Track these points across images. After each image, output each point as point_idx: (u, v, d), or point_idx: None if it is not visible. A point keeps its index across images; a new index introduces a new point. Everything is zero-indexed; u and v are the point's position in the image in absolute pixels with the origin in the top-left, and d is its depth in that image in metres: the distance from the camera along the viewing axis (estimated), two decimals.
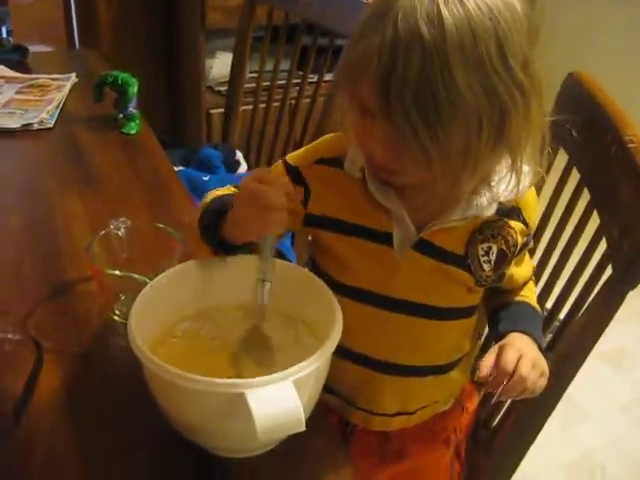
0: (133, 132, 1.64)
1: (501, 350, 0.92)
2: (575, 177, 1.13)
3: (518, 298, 1.06)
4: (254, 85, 2.03)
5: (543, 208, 1.19)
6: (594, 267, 1.03)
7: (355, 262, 0.98)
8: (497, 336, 0.99)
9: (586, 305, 1.03)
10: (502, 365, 0.90)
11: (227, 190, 0.99)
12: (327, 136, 1.02)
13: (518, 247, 0.98)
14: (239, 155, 2.03)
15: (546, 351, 1.06)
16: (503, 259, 0.98)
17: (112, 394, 0.94)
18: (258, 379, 0.71)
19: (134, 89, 1.63)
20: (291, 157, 1.02)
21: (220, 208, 0.91)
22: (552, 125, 1.17)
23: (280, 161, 1.03)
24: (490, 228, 0.95)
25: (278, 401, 0.70)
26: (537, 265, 1.18)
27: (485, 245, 0.95)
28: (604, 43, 3.33)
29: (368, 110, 0.83)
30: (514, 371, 0.89)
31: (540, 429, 1.07)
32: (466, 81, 0.76)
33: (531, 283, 1.10)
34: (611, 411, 2.23)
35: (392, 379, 1.04)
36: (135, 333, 0.78)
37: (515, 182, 0.89)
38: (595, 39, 3.37)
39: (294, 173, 0.99)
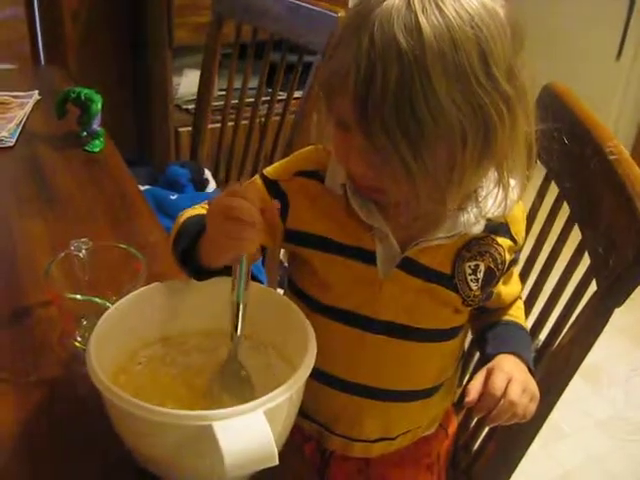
0: (97, 150, 1.59)
1: (489, 373, 0.88)
2: (554, 191, 1.09)
3: (506, 317, 1.03)
4: (222, 103, 1.99)
5: None
6: (577, 284, 0.99)
7: (336, 281, 0.93)
8: (485, 358, 0.96)
9: (570, 323, 0.99)
10: (491, 390, 0.86)
11: (200, 209, 0.94)
12: (305, 149, 0.97)
13: (506, 264, 0.94)
14: (207, 173, 1.98)
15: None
16: (491, 277, 0.94)
17: (73, 426, 0.88)
18: (226, 410, 0.67)
19: (98, 105, 1.58)
20: (269, 170, 0.97)
21: (194, 229, 0.85)
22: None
23: (257, 175, 0.98)
24: (477, 245, 0.91)
25: (248, 434, 0.66)
26: None
27: (472, 263, 0.92)
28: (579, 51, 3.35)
29: (347, 126, 0.79)
30: (503, 396, 0.86)
31: (523, 453, 1.03)
32: (448, 93, 0.72)
33: (519, 301, 1.06)
34: (589, 428, 2.21)
35: (374, 404, 0.99)
36: (94, 360, 0.74)
37: (502, 197, 0.85)
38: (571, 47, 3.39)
39: (273, 187, 0.94)
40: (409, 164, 0.75)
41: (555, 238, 1.08)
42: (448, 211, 0.86)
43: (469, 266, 0.91)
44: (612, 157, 0.93)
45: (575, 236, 1.03)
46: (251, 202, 0.78)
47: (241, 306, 0.81)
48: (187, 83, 2.72)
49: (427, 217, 0.87)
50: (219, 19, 1.95)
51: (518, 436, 1.03)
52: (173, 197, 1.82)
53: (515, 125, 0.78)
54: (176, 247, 0.88)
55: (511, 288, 1.02)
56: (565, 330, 1.00)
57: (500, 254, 0.93)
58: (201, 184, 1.95)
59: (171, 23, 2.54)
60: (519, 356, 0.93)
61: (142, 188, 1.80)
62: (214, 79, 2.03)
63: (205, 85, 2.04)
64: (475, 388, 0.87)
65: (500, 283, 0.98)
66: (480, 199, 0.87)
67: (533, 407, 0.89)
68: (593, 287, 0.95)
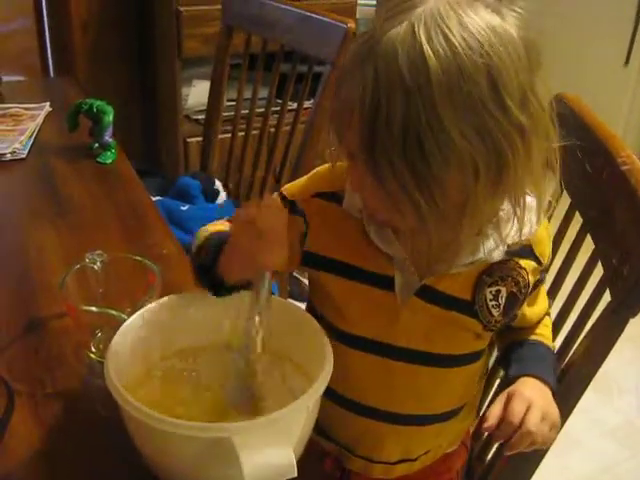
0: (109, 162, 1.60)
1: (509, 399, 0.86)
2: (566, 200, 1.09)
3: (532, 337, 1.00)
4: (232, 113, 2.00)
5: None
6: (590, 294, 0.99)
7: (354, 307, 0.91)
8: (508, 381, 0.93)
9: (584, 333, 0.99)
10: (509, 417, 0.84)
11: (221, 225, 0.92)
12: (321, 168, 0.95)
13: (530, 287, 0.92)
14: (218, 184, 1.99)
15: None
16: (514, 302, 0.91)
17: (90, 438, 0.88)
18: (245, 423, 0.67)
19: (110, 117, 1.59)
20: (287, 189, 0.95)
21: (216, 244, 0.83)
22: None
23: (276, 193, 0.96)
24: (499, 270, 0.89)
25: (268, 446, 0.66)
26: None
27: (494, 289, 0.89)
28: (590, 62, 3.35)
29: (355, 158, 0.78)
30: (521, 424, 0.84)
31: (538, 464, 1.03)
32: (456, 126, 0.69)
33: (547, 319, 1.03)
34: (601, 437, 2.20)
35: (394, 428, 0.98)
36: (112, 373, 0.74)
37: (518, 226, 0.83)
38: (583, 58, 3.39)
39: (291, 207, 0.92)
40: (418, 204, 0.73)
41: (568, 248, 1.07)
42: (466, 238, 0.84)
43: (490, 292, 0.89)
44: (624, 167, 0.92)
45: (588, 246, 1.03)
46: (277, 214, 0.76)
47: (258, 321, 0.79)
48: (196, 94, 2.72)
49: (444, 246, 0.84)
50: (229, 29, 1.96)
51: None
52: (184, 208, 1.82)
53: (530, 152, 0.75)
54: (196, 261, 0.87)
55: (537, 308, 0.99)
56: (579, 341, 1.00)
57: (523, 277, 0.90)
58: (212, 195, 1.95)
59: (180, 34, 2.55)
60: (542, 379, 0.91)
61: (153, 199, 1.80)
62: (224, 89, 2.03)
63: (215, 95, 2.04)
64: (494, 414, 0.85)
65: (525, 305, 0.95)
66: (501, 223, 0.84)
67: (554, 435, 0.87)
68: (607, 297, 0.95)
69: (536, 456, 1.03)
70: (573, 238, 1.06)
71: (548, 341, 1.00)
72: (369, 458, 1.02)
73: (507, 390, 0.89)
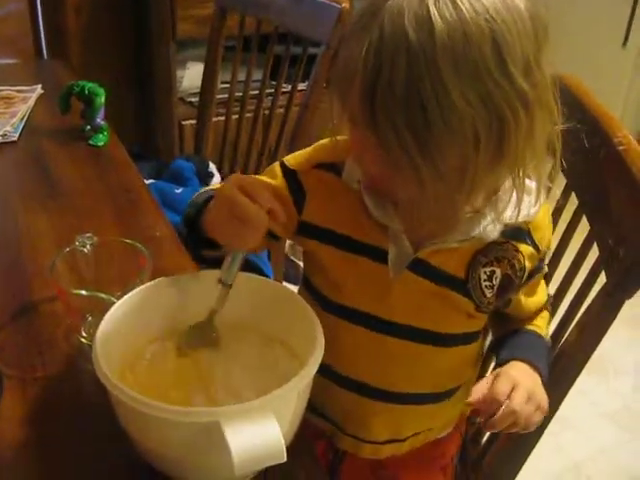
0: (101, 144, 1.58)
1: (495, 378, 0.86)
2: (562, 182, 1.08)
3: (527, 326, 0.99)
4: (226, 96, 1.98)
5: None
6: (586, 275, 0.98)
7: (347, 279, 0.92)
8: (498, 364, 0.93)
9: (580, 314, 0.98)
10: (493, 395, 0.83)
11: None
12: (324, 140, 0.94)
13: (526, 272, 0.91)
14: (212, 167, 1.97)
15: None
16: (508, 285, 0.91)
17: (80, 422, 0.87)
18: (234, 407, 0.66)
19: (101, 99, 1.57)
20: (289, 159, 0.95)
21: (202, 199, 0.86)
22: None
23: (277, 163, 0.96)
24: (495, 251, 0.88)
25: (256, 430, 0.65)
26: None
27: (488, 269, 0.89)
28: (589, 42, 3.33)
29: (356, 122, 0.77)
30: (505, 402, 0.83)
31: (533, 447, 1.02)
32: (459, 89, 0.69)
33: (545, 312, 1.02)
34: (596, 420, 2.20)
35: (384, 406, 0.98)
36: (100, 358, 0.73)
37: (516, 206, 0.82)
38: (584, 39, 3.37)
39: (291, 176, 0.93)
40: (418, 166, 0.72)
41: (563, 229, 1.06)
42: (464, 214, 0.84)
43: (485, 272, 0.89)
44: (621, 148, 0.91)
45: (584, 227, 1.02)
46: (260, 200, 0.77)
47: (224, 285, 0.83)
48: (191, 76, 2.70)
49: (441, 219, 0.85)
50: (222, 11, 1.94)
51: None
52: (178, 191, 1.81)
53: (532, 125, 0.74)
54: (186, 218, 0.89)
55: (536, 298, 0.99)
56: (574, 322, 0.99)
57: (519, 260, 0.90)
58: (206, 177, 1.94)
59: (174, 16, 2.52)
60: (532, 365, 0.90)
61: (146, 182, 1.79)
62: (218, 72, 2.02)
63: (209, 78, 2.03)
64: (479, 390, 0.84)
65: (522, 294, 0.95)
66: (499, 203, 0.84)
67: (538, 418, 0.86)
68: (602, 279, 0.94)
69: (530, 439, 1.03)
70: (569, 219, 1.05)
71: (543, 332, 0.99)
72: (358, 437, 1.02)
73: (495, 371, 0.89)
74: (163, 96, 2.78)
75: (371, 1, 0.75)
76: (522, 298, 0.97)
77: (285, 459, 0.65)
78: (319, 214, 0.92)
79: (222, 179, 1.97)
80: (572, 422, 2.14)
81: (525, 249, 0.90)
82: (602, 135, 0.95)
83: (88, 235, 1.02)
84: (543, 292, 1.00)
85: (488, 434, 1.15)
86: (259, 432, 0.65)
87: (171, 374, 0.84)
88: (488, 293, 0.90)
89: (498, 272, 0.89)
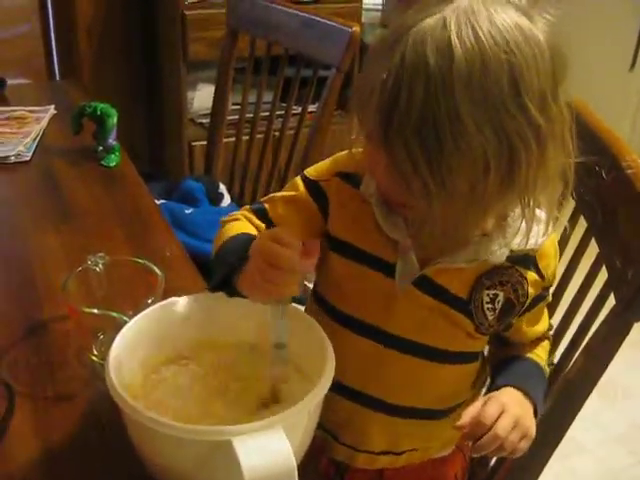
0: (113, 164, 1.60)
1: (485, 402, 0.86)
2: (570, 204, 1.09)
3: (527, 355, 0.99)
4: (237, 117, 1.99)
5: None
6: (595, 298, 0.98)
7: (354, 289, 0.94)
8: (492, 389, 0.93)
9: (589, 336, 0.98)
10: (480, 418, 0.83)
11: (242, 223, 0.96)
12: (344, 152, 0.96)
13: (528, 298, 0.92)
14: (222, 187, 1.98)
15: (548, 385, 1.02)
16: (510, 309, 0.92)
17: (91, 440, 0.88)
18: (246, 425, 0.67)
19: (114, 120, 1.59)
20: (310, 171, 0.98)
21: (234, 256, 0.86)
22: None
23: (298, 176, 0.98)
24: (499, 274, 0.89)
25: (268, 449, 0.65)
26: None
27: (492, 292, 0.90)
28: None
29: (372, 140, 0.79)
30: (491, 426, 0.83)
31: (541, 471, 1.02)
32: (473, 118, 0.70)
33: (546, 342, 1.02)
34: (606, 443, 2.19)
35: (381, 416, 0.99)
36: (113, 376, 0.73)
37: (526, 230, 0.83)
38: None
39: (314, 187, 0.95)
40: (429, 185, 0.74)
41: (572, 252, 1.07)
42: (473, 237, 0.85)
43: (487, 294, 0.90)
44: (629, 171, 0.92)
45: (593, 250, 1.02)
46: (292, 247, 0.78)
47: (283, 346, 0.82)
48: (201, 97, 2.72)
49: (450, 238, 0.85)
50: (233, 34, 1.96)
51: (535, 452, 1.02)
52: (188, 211, 1.82)
53: (544, 157, 0.76)
54: (219, 262, 0.89)
55: (538, 327, 0.99)
56: (583, 345, 0.99)
57: (523, 287, 0.90)
58: (216, 198, 1.95)
59: (185, 37, 2.55)
60: (526, 394, 0.90)
61: (157, 202, 1.80)
62: (228, 93, 2.03)
63: (219, 99, 2.04)
64: (468, 413, 0.84)
65: (525, 320, 0.96)
66: (507, 228, 0.85)
67: (523, 446, 0.86)
68: (611, 301, 0.94)
69: (538, 463, 1.02)
70: (578, 242, 1.06)
71: (543, 362, 0.99)
72: (354, 446, 1.03)
73: (487, 395, 0.89)
74: (173, 117, 2.80)
75: (395, 26, 0.77)
76: (524, 325, 0.97)
77: (296, 478, 0.65)
78: (336, 224, 0.94)
79: (232, 200, 1.98)
80: (581, 444, 2.13)
81: (530, 276, 0.91)
82: (611, 158, 0.96)
83: (100, 254, 1.03)
84: (545, 321, 1.01)
85: (495, 458, 1.15)
86: (270, 451, 0.65)
87: (184, 394, 0.84)
88: (490, 316, 0.91)
89: (501, 296, 0.90)
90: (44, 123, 1.80)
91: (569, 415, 0.97)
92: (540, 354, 1.00)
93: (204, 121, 2.65)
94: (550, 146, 0.76)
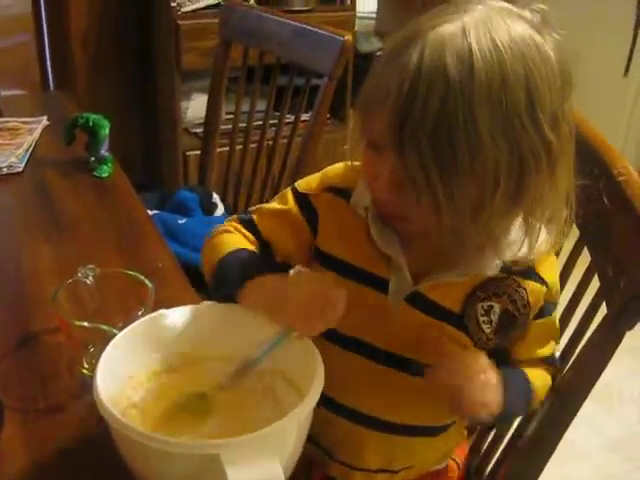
0: (105, 175, 1.59)
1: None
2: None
3: (523, 368, 0.95)
4: (230, 126, 1.99)
5: None
6: (587, 306, 0.98)
7: (348, 307, 0.90)
8: None
9: (581, 345, 0.97)
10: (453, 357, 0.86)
11: (234, 235, 0.96)
12: (337, 164, 0.96)
13: (531, 308, 0.90)
14: (216, 197, 1.98)
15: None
16: (510, 321, 0.90)
17: (81, 453, 0.87)
18: (234, 439, 0.66)
19: (105, 131, 1.58)
20: (300, 184, 0.97)
21: (237, 274, 0.86)
22: None
23: (289, 188, 0.97)
24: (494, 286, 0.88)
25: (256, 463, 0.65)
26: None
27: (486, 304, 0.88)
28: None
29: (378, 147, 0.78)
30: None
31: (537, 477, 1.02)
32: (489, 128, 0.70)
33: (545, 373, 0.97)
34: (604, 448, 2.18)
35: (377, 435, 0.98)
36: (101, 389, 0.73)
37: (527, 247, 0.82)
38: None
39: (303, 200, 0.94)
40: (437, 195, 0.73)
41: (564, 261, 1.06)
42: (468, 251, 0.84)
43: (482, 306, 0.88)
44: (621, 178, 0.92)
45: (585, 259, 1.01)
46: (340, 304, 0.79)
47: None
48: (195, 107, 2.73)
49: (445, 254, 0.85)
50: (226, 43, 1.96)
51: (530, 460, 1.02)
52: (181, 221, 1.81)
53: (553, 175, 0.76)
54: (217, 288, 0.89)
55: (544, 349, 0.96)
56: (576, 353, 0.99)
57: (521, 296, 0.88)
58: (209, 208, 1.95)
59: (179, 47, 2.56)
60: (503, 375, 0.88)
61: (150, 213, 1.80)
62: (222, 103, 2.03)
63: (213, 109, 2.04)
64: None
65: (534, 344, 0.93)
66: (503, 246, 0.84)
67: (482, 412, 0.85)
68: (603, 310, 0.94)
69: (533, 471, 1.02)
70: (570, 251, 1.05)
71: (534, 384, 0.95)
72: (349, 464, 1.02)
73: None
74: (168, 127, 2.80)
75: (407, 32, 0.76)
76: (527, 342, 0.94)
77: None
78: (327, 239, 0.93)
79: (226, 209, 1.97)
80: (578, 450, 2.13)
81: (530, 284, 0.89)
82: (602, 166, 0.95)
83: (90, 266, 1.03)
84: (550, 347, 0.97)
85: (491, 466, 1.14)
86: (259, 465, 0.65)
87: (173, 408, 0.83)
88: (486, 328, 0.89)
89: (497, 307, 0.88)
90: (37, 134, 1.80)
91: (563, 423, 0.97)
92: (535, 375, 0.95)
93: (198, 131, 2.65)
94: (559, 165, 0.76)
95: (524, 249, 0.83)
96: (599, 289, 0.95)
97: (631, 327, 0.87)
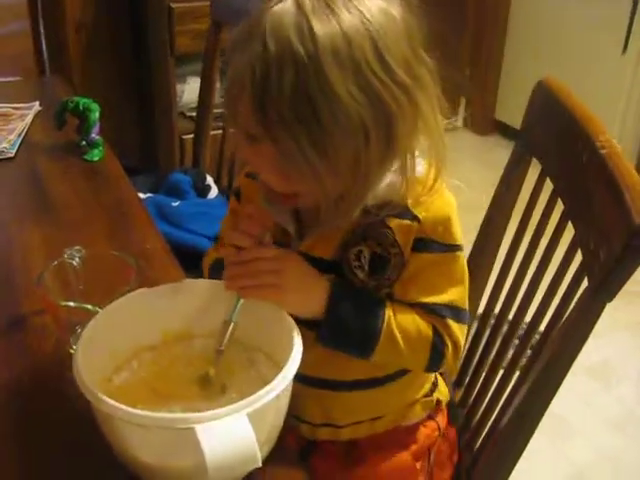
0: (96, 159, 1.59)
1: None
2: (549, 188, 1.08)
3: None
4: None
5: (517, 221, 1.15)
6: (570, 279, 0.98)
7: None
8: None
9: (564, 318, 0.97)
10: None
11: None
12: None
13: (402, 246, 0.88)
14: (209, 179, 1.98)
15: (527, 367, 1.02)
16: (382, 263, 0.89)
17: (68, 434, 0.88)
18: (209, 412, 0.67)
19: (96, 115, 1.59)
20: (237, 180, 1.06)
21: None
22: (524, 135, 1.13)
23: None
24: (361, 230, 0.89)
25: (231, 436, 0.65)
26: (514, 279, 1.13)
27: (355, 249, 0.90)
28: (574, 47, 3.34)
29: (253, 137, 0.81)
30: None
31: (521, 451, 1.02)
32: (345, 88, 0.73)
33: (423, 323, 0.91)
34: (600, 426, 2.18)
35: (313, 391, 0.98)
36: (80, 365, 0.74)
37: (404, 186, 0.86)
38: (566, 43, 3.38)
39: (236, 192, 1.03)
40: (315, 163, 0.76)
41: (550, 235, 1.06)
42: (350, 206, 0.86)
43: (353, 252, 0.90)
44: (603, 151, 0.91)
45: (570, 233, 1.01)
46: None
47: (231, 323, 0.85)
48: (191, 90, 2.72)
49: (334, 208, 0.86)
50: (217, 26, 1.95)
51: (514, 433, 1.02)
52: (175, 204, 1.82)
53: (417, 115, 0.80)
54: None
55: (428, 296, 0.92)
56: (560, 325, 0.99)
57: (387, 237, 0.88)
58: (203, 191, 1.95)
59: (172, 31, 2.55)
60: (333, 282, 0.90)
61: (144, 196, 1.80)
62: (214, 85, 2.03)
63: (205, 92, 2.04)
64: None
65: (416, 288, 0.91)
66: (380, 191, 0.87)
67: (272, 292, 0.87)
68: (586, 283, 0.93)
69: (519, 439, 1.02)
70: (555, 226, 1.05)
71: (397, 316, 0.91)
72: (296, 416, 1.02)
73: None
74: (163, 111, 2.80)
75: (249, 19, 0.80)
76: (406, 285, 0.92)
77: (260, 464, 0.66)
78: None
79: (219, 191, 1.97)
80: (576, 429, 2.12)
81: (397, 223, 0.88)
82: (584, 138, 0.95)
83: (77, 248, 1.03)
84: (436, 297, 0.92)
85: (480, 440, 1.15)
86: (233, 437, 0.65)
87: (154, 383, 0.84)
88: (359, 273, 0.90)
89: (366, 251, 0.89)
90: (29, 120, 1.80)
91: (548, 393, 0.96)
92: (405, 315, 0.91)
93: (194, 114, 2.64)
94: (423, 104, 0.80)
95: (399, 187, 0.86)
96: (581, 262, 0.95)
97: (611, 298, 0.87)
